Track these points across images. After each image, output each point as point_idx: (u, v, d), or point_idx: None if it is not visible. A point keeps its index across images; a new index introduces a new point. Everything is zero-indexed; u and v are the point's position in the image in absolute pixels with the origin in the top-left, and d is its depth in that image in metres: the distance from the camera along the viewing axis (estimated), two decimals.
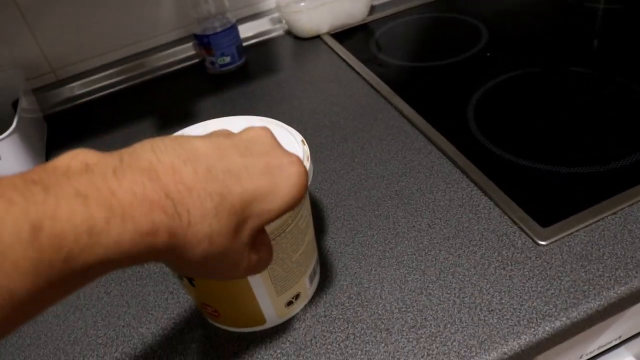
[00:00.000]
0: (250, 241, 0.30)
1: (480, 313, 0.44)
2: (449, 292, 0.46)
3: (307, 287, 0.47)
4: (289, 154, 0.31)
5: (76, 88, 0.87)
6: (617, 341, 0.59)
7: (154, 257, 0.25)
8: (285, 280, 0.43)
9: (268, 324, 0.46)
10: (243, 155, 0.29)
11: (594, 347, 0.58)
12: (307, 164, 0.41)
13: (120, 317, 0.50)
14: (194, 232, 0.26)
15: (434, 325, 0.44)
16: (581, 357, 0.58)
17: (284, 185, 0.29)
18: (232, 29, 0.83)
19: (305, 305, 0.48)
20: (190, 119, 0.77)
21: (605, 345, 0.59)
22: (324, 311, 0.47)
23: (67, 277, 0.22)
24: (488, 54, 0.77)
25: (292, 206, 0.30)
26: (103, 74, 0.88)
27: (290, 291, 0.45)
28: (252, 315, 0.45)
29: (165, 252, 0.25)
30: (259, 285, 0.42)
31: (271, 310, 0.45)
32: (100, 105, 0.86)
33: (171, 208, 0.25)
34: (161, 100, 0.83)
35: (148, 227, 0.24)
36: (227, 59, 0.84)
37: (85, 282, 0.24)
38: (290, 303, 0.46)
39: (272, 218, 0.30)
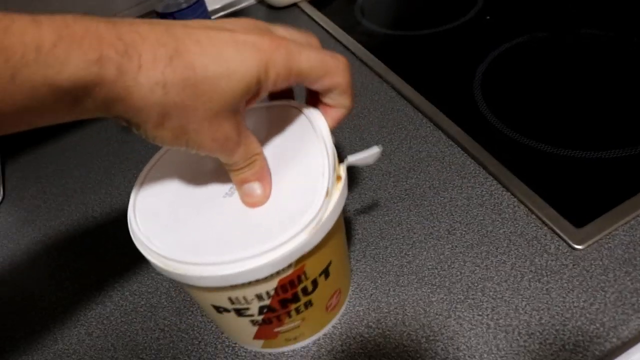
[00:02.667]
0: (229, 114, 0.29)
1: (519, 338, 0.39)
2: (480, 313, 0.41)
3: None
4: (263, 35, 0.30)
5: None
6: None
7: (107, 99, 0.26)
8: None
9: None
10: (211, 28, 0.29)
11: None
12: (341, 186, 0.33)
13: None
14: (145, 75, 0.26)
15: (469, 356, 0.39)
16: None
17: (242, 61, 0.29)
18: (199, 3, 0.73)
19: (319, 339, 0.42)
20: None
21: None
22: (341, 345, 0.41)
23: (17, 95, 0.23)
24: (488, 17, 0.69)
25: (248, 85, 0.29)
26: None
27: None
28: (347, 272, 0.43)
29: (118, 97, 0.26)
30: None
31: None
32: None
33: (121, 47, 0.25)
34: None
35: (95, 56, 0.24)
36: None
37: (45, 112, 0.25)
38: None
39: (230, 97, 0.29)
